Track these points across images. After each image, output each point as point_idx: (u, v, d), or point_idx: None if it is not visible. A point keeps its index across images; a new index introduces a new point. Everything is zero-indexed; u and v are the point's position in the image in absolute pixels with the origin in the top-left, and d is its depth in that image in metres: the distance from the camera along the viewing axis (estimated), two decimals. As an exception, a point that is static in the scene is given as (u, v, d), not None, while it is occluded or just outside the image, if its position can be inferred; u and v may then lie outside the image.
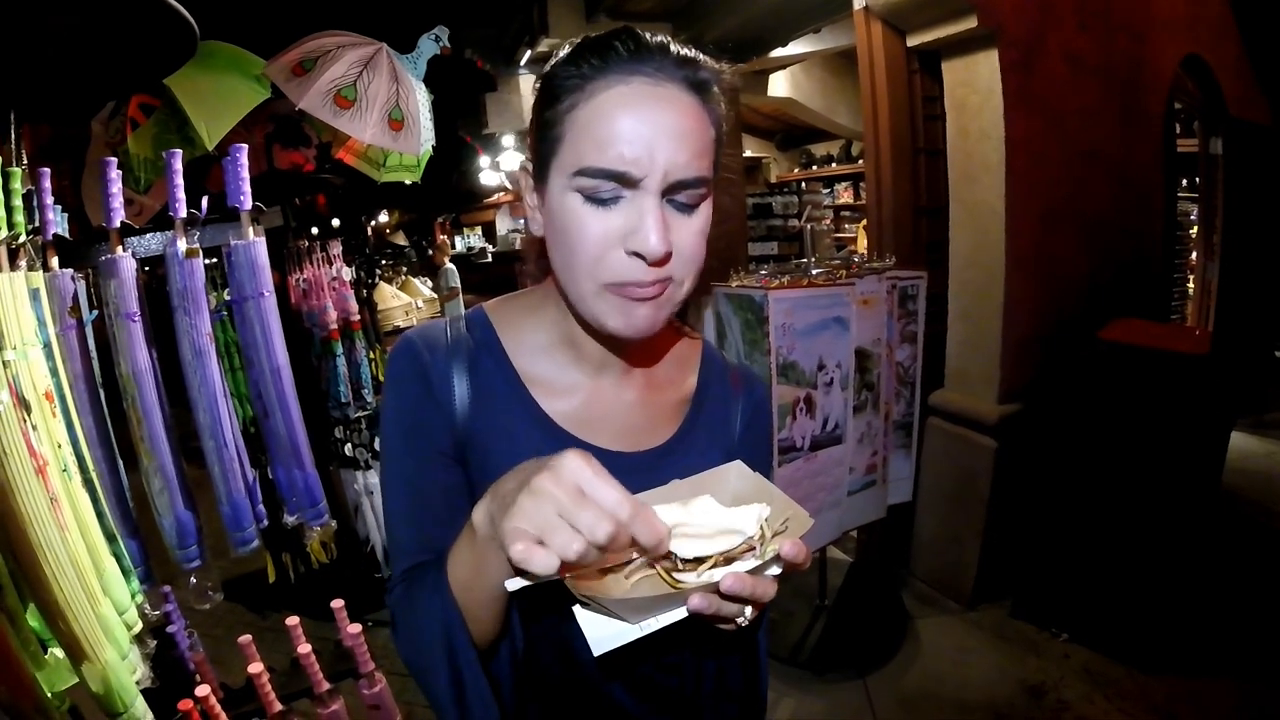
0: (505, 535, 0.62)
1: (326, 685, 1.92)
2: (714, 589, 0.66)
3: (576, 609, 0.71)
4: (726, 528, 0.72)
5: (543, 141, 0.82)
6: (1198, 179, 5.72)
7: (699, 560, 0.70)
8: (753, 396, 1.07)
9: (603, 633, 0.70)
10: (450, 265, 8.14)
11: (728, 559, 0.71)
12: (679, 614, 0.69)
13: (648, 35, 0.80)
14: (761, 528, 0.73)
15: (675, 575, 0.71)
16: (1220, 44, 4.96)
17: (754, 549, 0.72)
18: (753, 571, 0.68)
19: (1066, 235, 3.52)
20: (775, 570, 0.71)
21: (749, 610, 0.70)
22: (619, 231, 0.76)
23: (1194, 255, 5.84)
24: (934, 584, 3.76)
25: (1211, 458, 3.70)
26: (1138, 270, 4.03)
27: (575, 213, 0.77)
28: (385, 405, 0.94)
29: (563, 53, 0.82)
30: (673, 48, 0.80)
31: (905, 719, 2.95)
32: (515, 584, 0.67)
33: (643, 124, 0.75)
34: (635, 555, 0.73)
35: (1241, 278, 5.50)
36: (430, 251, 7.23)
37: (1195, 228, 5.83)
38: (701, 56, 0.82)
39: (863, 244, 7.39)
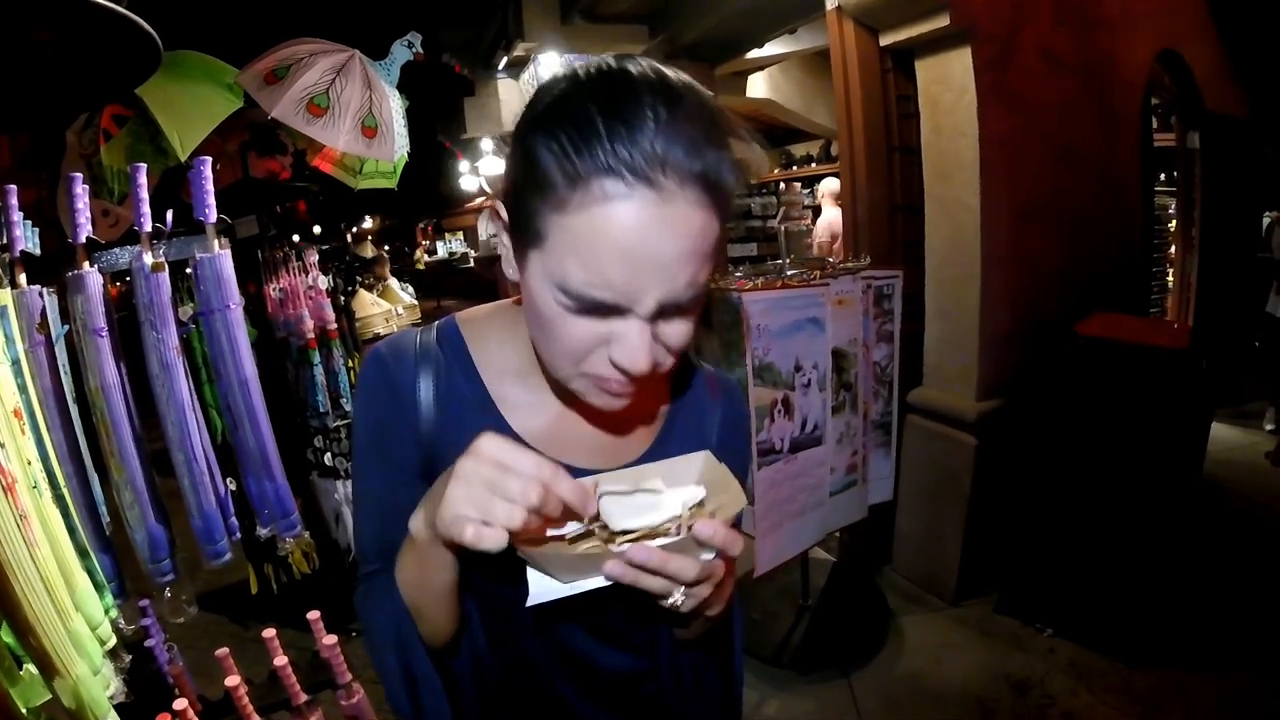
0: (449, 526, 0.65)
1: (304, 697, 1.92)
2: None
3: (527, 566, 0.74)
4: (661, 506, 0.75)
5: (521, 216, 0.72)
6: (1176, 173, 5.75)
7: (627, 533, 0.74)
8: (730, 403, 1.06)
9: (539, 587, 0.73)
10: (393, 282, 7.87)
11: (654, 534, 0.74)
12: (602, 580, 0.72)
13: (661, 108, 0.65)
14: (684, 509, 0.75)
15: (610, 547, 0.74)
16: (1197, 39, 4.99)
17: (677, 528, 0.75)
18: (669, 548, 0.69)
19: (1044, 231, 3.53)
20: (706, 555, 0.72)
21: (679, 592, 0.71)
22: (602, 337, 0.72)
23: (1173, 249, 5.89)
24: (917, 581, 3.77)
25: (1192, 450, 3.72)
26: (1116, 264, 4.05)
27: (555, 313, 0.71)
28: (355, 419, 0.94)
29: (553, 85, 0.71)
30: (687, 149, 0.65)
31: (890, 717, 2.95)
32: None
33: (639, 252, 0.66)
34: (576, 523, 0.77)
35: (1220, 270, 5.54)
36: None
37: (1174, 221, 5.87)
38: (722, 149, 0.69)
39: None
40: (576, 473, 0.90)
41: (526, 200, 0.70)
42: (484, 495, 0.64)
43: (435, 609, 0.83)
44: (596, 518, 0.76)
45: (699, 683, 1.00)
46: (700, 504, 0.77)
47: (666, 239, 0.66)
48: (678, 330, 0.74)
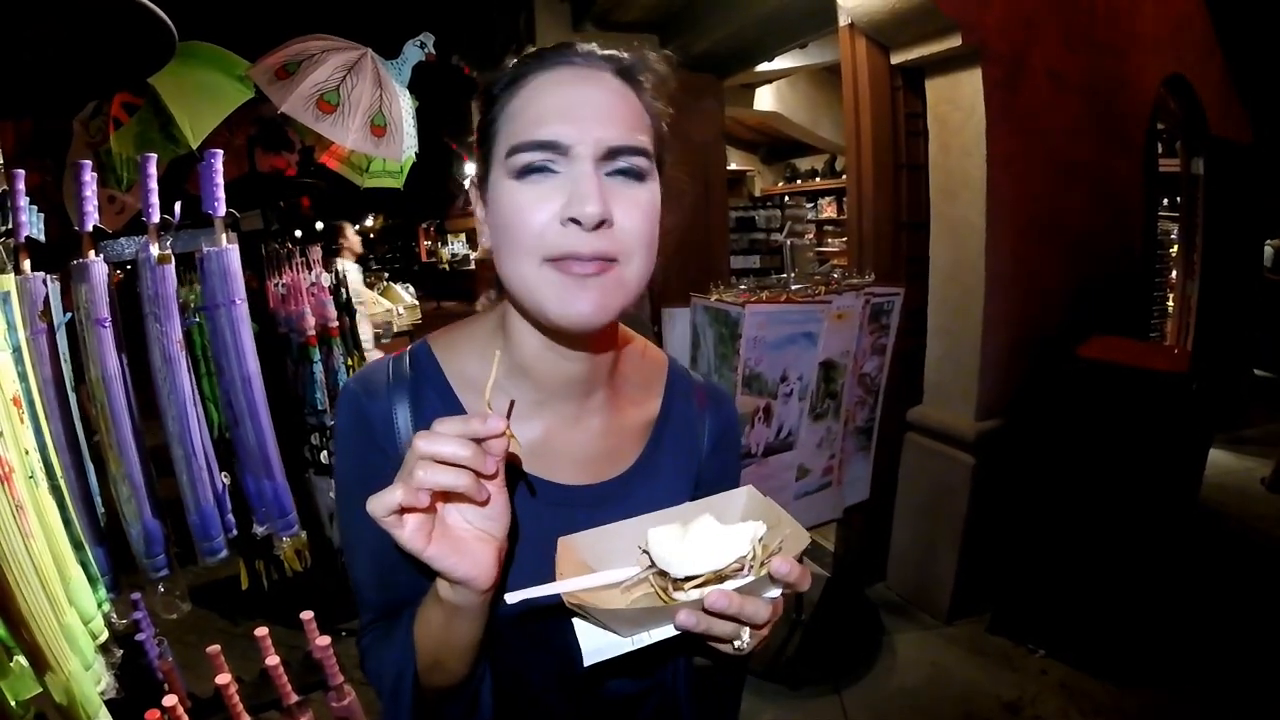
0: (394, 538, 0.66)
1: (295, 697, 1.90)
2: (701, 606, 0.67)
3: (575, 620, 0.72)
4: (720, 546, 0.72)
5: (483, 145, 0.82)
6: (1179, 198, 5.77)
7: (691, 578, 0.71)
8: (720, 414, 1.04)
9: (596, 643, 0.71)
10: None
11: (720, 577, 0.70)
12: (670, 630, 0.70)
13: (579, 43, 0.81)
14: (754, 547, 0.72)
15: (670, 593, 0.72)
16: (1203, 64, 5.01)
17: (746, 567, 0.71)
18: (743, 590, 0.68)
19: (1047, 252, 3.54)
20: (773, 592, 0.70)
21: (746, 633, 0.69)
22: (556, 204, 0.74)
23: (1174, 273, 5.90)
24: (911, 599, 3.76)
25: (1189, 475, 3.72)
26: (1118, 288, 4.06)
27: (512, 194, 0.76)
28: (335, 460, 0.91)
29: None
30: (599, 46, 0.81)
31: (881, 734, 2.94)
32: (515, 597, 0.69)
33: (570, 98, 0.76)
34: (627, 570, 0.75)
35: (1221, 296, 5.55)
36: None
37: (1176, 246, 5.88)
38: (629, 53, 0.82)
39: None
40: (560, 489, 0.88)
41: (485, 124, 0.82)
42: (408, 483, 0.65)
43: (456, 661, 0.80)
44: (651, 564, 0.74)
45: (718, 702, 1.00)
46: (761, 539, 0.74)
47: (590, 88, 0.77)
48: (632, 204, 0.77)
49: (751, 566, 0.71)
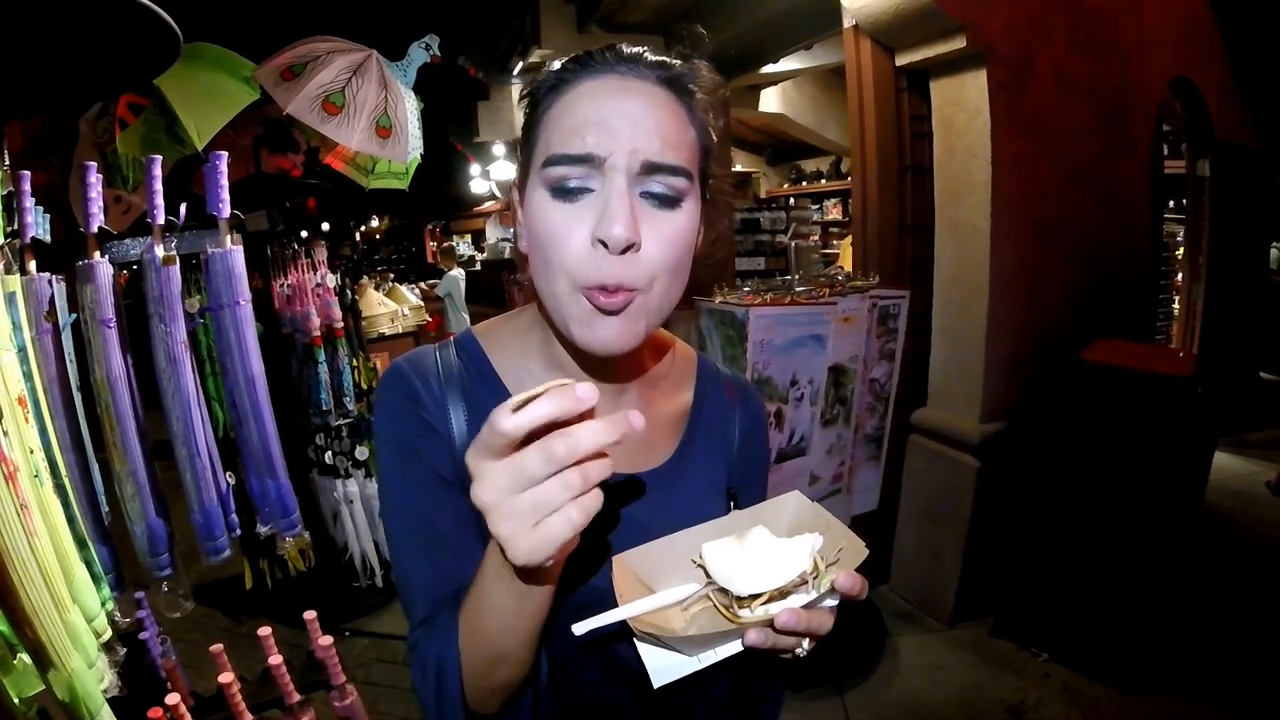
0: (533, 559, 0.58)
1: (297, 696, 1.91)
2: (770, 623, 0.68)
3: (637, 642, 0.73)
4: (780, 561, 0.72)
5: (524, 149, 0.82)
6: (1185, 200, 5.75)
7: (755, 596, 0.71)
8: (749, 407, 1.06)
9: (663, 664, 0.72)
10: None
11: (783, 593, 0.71)
12: (736, 647, 0.71)
13: (626, 46, 0.79)
14: (815, 560, 0.73)
15: (733, 610, 0.72)
16: (1208, 66, 5.00)
17: (807, 582, 0.72)
18: (807, 605, 0.68)
19: (1052, 255, 3.53)
20: (832, 602, 0.71)
21: (807, 642, 0.71)
22: (589, 224, 0.73)
23: (1180, 276, 5.88)
24: (914, 601, 3.76)
25: (1194, 479, 3.70)
26: (1123, 290, 4.05)
27: (545, 207, 0.75)
28: (379, 439, 0.89)
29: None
30: (648, 53, 0.79)
31: (883, 737, 2.94)
32: (583, 627, 0.69)
33: (609, 109, 0.74)
34: (688, 586, 0.75)
35: (1226, 299, 5.53)
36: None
37: (1181, 249, 5.86)
38: (679, 62, 0.80)
39: (846, 261, 7.39)
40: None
41: (527, 128, 0.81)
42: (530, 516, 0.57)
43: (521, 648, 0.76)
44: (709, 580, 0.74)
45: (764, 691, 1.02)
46: (820, 552, 0.74)
47: (632, 98, 0.75)
48: (665, 230, 0.76)
49: (812, 580, 0.72)
